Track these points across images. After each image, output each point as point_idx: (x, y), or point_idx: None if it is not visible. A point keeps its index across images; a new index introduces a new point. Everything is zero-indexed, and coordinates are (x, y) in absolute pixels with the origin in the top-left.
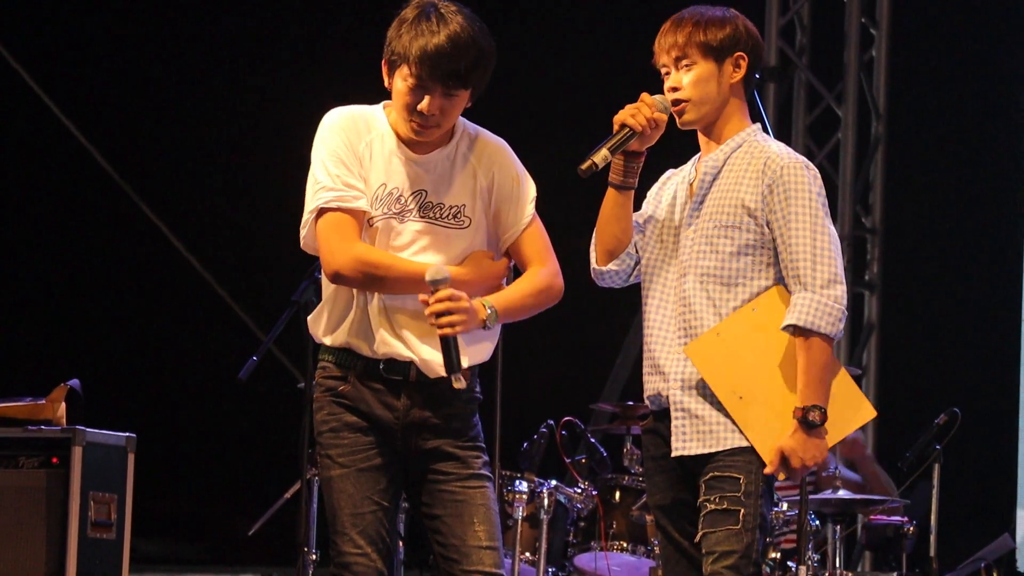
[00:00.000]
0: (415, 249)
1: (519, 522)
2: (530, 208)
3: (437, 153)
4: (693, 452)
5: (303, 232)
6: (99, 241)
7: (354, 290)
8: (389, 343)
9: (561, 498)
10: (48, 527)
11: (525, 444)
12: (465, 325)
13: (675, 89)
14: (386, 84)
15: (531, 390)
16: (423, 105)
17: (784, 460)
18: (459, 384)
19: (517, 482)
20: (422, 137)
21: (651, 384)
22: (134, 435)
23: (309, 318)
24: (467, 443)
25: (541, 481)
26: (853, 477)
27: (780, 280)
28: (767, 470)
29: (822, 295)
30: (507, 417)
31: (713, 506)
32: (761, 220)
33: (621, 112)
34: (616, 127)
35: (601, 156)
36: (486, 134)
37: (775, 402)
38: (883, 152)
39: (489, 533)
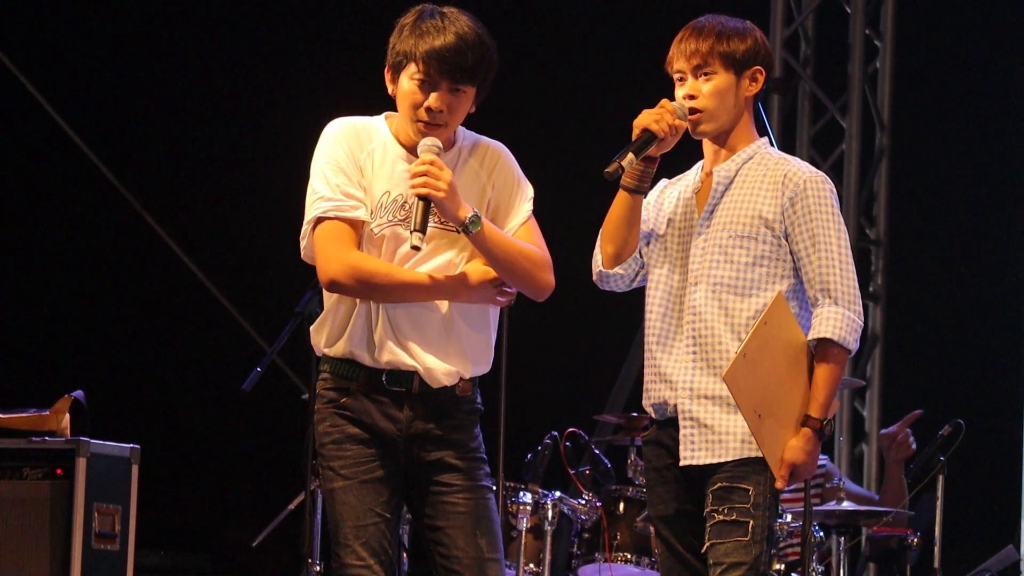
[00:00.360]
0: (422, 254)
1: (523, 533)
2: (527, 207)
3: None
4: (702, 461)
5: (303, 243)
6: (103, 252)
7: (356, 300)
8: (391, 352)
9: (565, 509)
10: (52, 538)
11: (529, 455)
12: (441, 194)
13: (692, 97)
14: (390, 91)
15: (535, 401)
16: (431, 100)
17: (793, 472)
18: (417, 243)
19: (521, 493)
20: None
21: (656, 393)
22: (138, 446)
23: (311, 328)
24: (469, 454)
25: (545, 492)
26: (858, 491)
27: (793, 289)
28: (779, 485)
29: (851, 311)
30: (511, 428)
31: (722, 517)
32: (779, 232)
33: (643, 117)
34: (637, 131)
35: (628, 160)
36: (486, 139)
37: (782, 415)
38: (887, 163)
39: (492, 544)
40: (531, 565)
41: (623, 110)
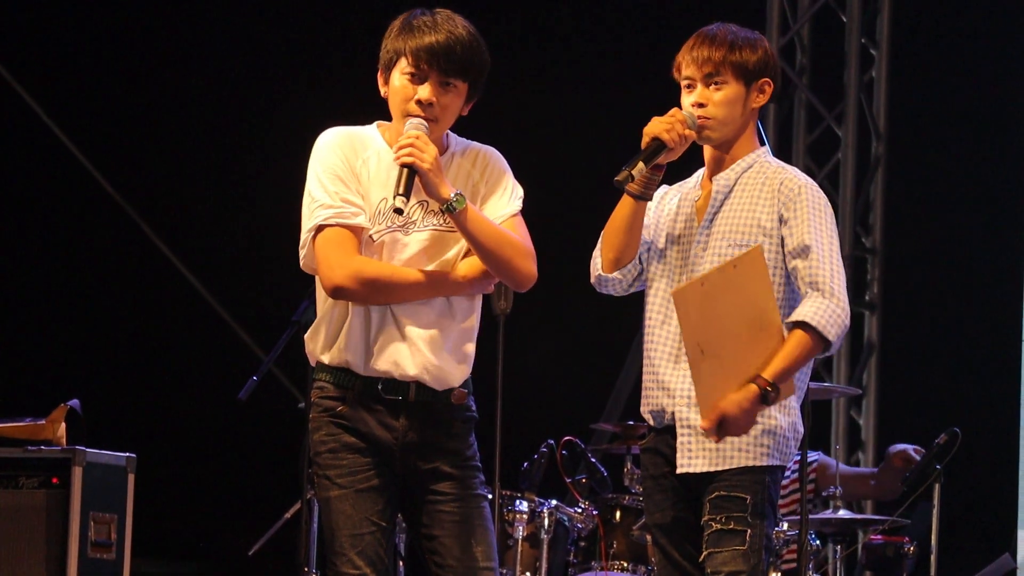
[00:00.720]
0: (423, 257)
1: (519, 542)
2: (516, 204)
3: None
4: (699, 469)
5: (302, 252)
6: (99, 261)
7: (350, 306)
8: (387, 361)
9: (561, 518)
10: (48, 547)
11: (525, 464)
12: (425, 165)
13: (701, 105)
14: (382, 92)
15: (531, 410)
16: (421, 92)
17: (721, 424)
18: (400, 205)
19: (517, 502)
20: None
21: (653, 400)
22: (134, 455)
23: (306, 336)
24: (465, 463)
25: (541, 501)
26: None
27: (788, 297)
28: (703, 425)
29: (839, 306)
30: (507, 437)
31: (719, 526)
32: (776, 239)
33: (654, 126)
34: (647, 140)
35: (638, 168)
36: (477, 144)
37: (729, 365)
38: (883, 172)
39: (487, 553)
40: (527, 574)
41: (623, 114)
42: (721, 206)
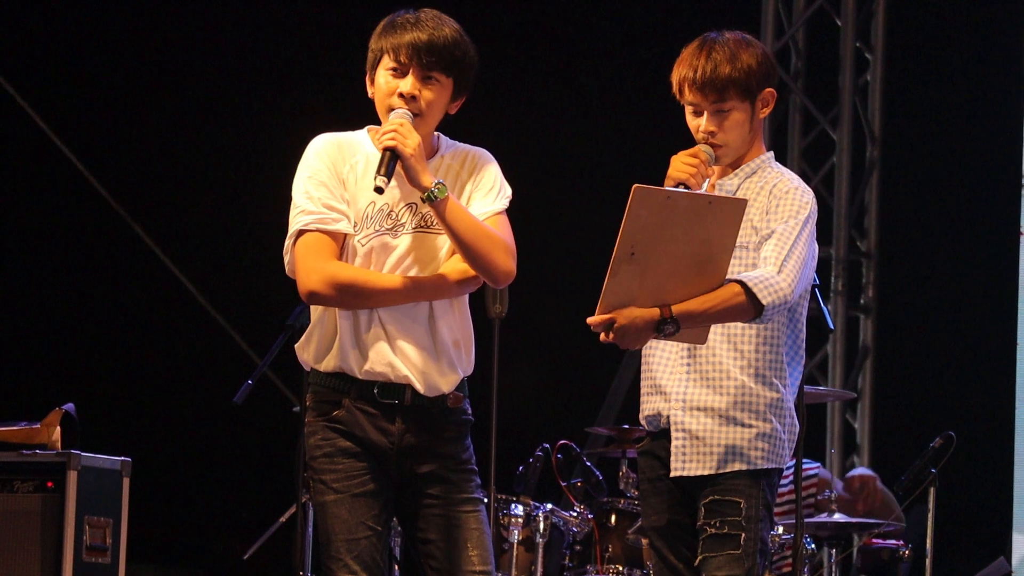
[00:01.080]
0: (411, 260)
1: (515, 546)
2: (503, 202)
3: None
4: (693, 473)
5: (287, 258)
6: (94, 265)
7: (337, 313)
8: (381, 364)
9: (557, 521)
10: (43, 552)
11: (521, 467)
12: (408, 150)
13: (711, 132)
14: (369, 94)
15: (527, 413)
16: (403, 85)
17: (609, 326)
18: (380, 184)
19: (513, 505)
20: None
21: (650, 404)
22: (129, 459)
23: (296, 346)
24: (460, 467)
25: (537, 504)
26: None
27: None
28: (588, 320)
29: (784, 283)
30: (503, 440)
31: (713, 530)
32: (764, 235)
33: (678, 170)
34: (671, 183)
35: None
36: (469, 146)
37: (651, 281)
38: (878, 176)
39: (482, 557)
40: None
41: (621, 119)
42: None
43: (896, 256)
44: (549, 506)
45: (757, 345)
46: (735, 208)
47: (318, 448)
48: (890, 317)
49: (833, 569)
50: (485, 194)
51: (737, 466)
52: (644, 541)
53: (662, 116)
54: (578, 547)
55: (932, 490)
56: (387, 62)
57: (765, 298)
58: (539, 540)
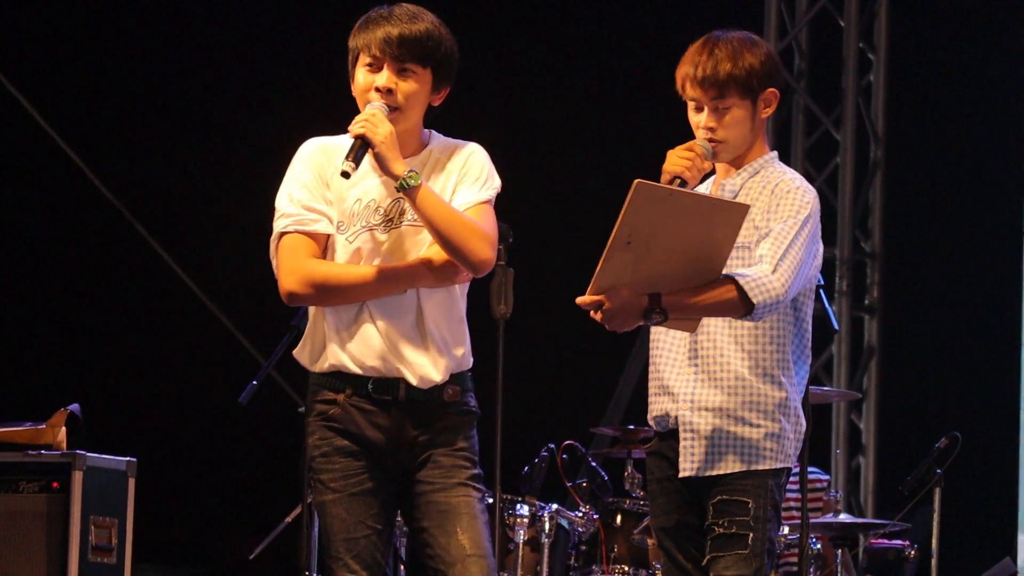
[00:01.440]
0: (400, 255)
1: (520, 546)
2: (486, 193)
3: (410, 160)
4: (701, 473)
5: (273, 263)
6: (98, 265)
7: (325, 312)
8: (373, 357)
9: (562, 522)
10: (49, 552)
11: (526, 468)
12: (378, 138)
13: (711, 128)
14: (353, 93)
15: (532, 413)
16: (378, 79)
17: (598, 308)
18: (347, 169)
19: (518, 506)
20: None
21: (658, 405)
22: (135, 459)
23: (294, 352)
24: (455, 452)
25: (542, 505)
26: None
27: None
28: (578, 299)
29: (777, 283)
30: (508, 440)
31: (721, 530)
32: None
33: (675, 165)
34: (667, 177)
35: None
36: (459, 141)
37: (644, 270)
38: (882, 176)
39: (474, 541)
40: None
41: (622, 119)
42: None
43: (900, 256)
44: (554, 506)
45: (764, 344)
46: (737, 212)
47: (316, 448)
48: (895, 317)
49: (839, 569)
50: (471, 184)
51: (745, 466)
52: (650, 541)
53: (668, 118)
54: (583, 547)
55: (937, 490)
56: (363, 59)
57: (756, 297)
58: (544, 540)
